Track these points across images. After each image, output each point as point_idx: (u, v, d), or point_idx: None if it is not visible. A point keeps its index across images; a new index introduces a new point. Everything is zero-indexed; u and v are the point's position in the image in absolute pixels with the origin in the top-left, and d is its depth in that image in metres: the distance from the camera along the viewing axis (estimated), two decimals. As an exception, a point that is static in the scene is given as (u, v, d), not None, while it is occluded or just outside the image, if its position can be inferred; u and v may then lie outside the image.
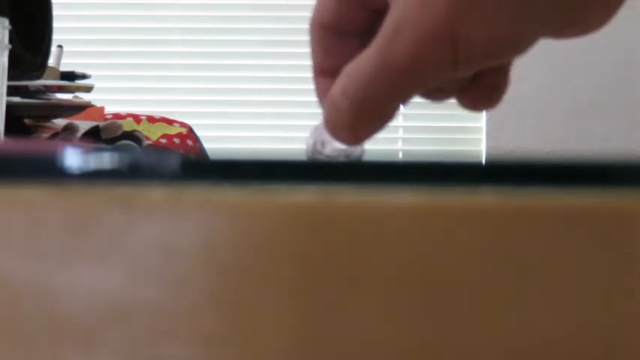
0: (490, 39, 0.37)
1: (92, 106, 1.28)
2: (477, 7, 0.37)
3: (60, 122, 1.26)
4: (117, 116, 1.50)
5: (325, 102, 0.41)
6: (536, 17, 0.37)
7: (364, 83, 0.39)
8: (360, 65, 0.39)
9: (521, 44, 0.38)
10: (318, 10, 0.43)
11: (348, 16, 0.42)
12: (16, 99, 1.17)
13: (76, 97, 1.28)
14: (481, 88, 0.42)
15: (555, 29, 0.39)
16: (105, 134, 1.24)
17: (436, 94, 0.42)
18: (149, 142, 1.45)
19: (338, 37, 0.42)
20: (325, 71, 0.42)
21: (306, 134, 0.45)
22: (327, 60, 0.42)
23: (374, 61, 0.38)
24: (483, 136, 2.55)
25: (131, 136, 1.26)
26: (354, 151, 0.43)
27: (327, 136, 0.42)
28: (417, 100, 0.44)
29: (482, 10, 0.37)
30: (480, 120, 2.56)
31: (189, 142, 1.55)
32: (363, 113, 0.39)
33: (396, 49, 0.38)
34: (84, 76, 1.32)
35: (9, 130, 0.94)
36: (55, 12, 1.23)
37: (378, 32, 0.39)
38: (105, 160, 0.29)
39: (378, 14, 0.41)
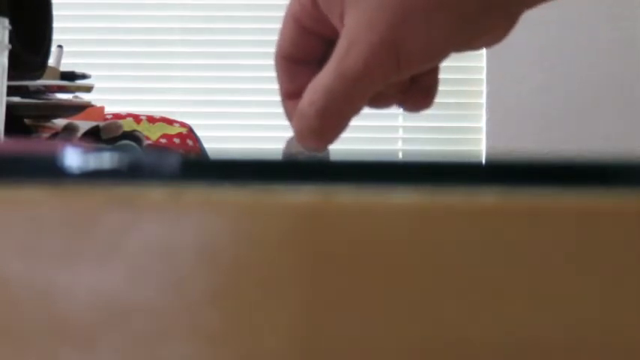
0: (423, 48, 0.46)
1: (92, 106, 1.28)
2: (411, 25, 0.46)
3: (60, 122, 1.26)
4: (117, 116, 1.50)
5: (294, 116, 0.49)
6: (456, 31, 0.47)
7: (327, 92, 0.47)
8: (322, 78, 0.47)
9: (446, 51, 0.47)
10: (280, 44, 0.52)
11: (304, 47, 0.51)
12: (16, 99, 1.17)
13: (76, 97, 1.28)
14: (419, 90, 0.51)
15: (469, 40, 0.48)
16: (105, 134, 1.24)
17: (382, 101, 0.51)
18: (149, 142, 1.44)
19: (298, 65, 0.51)
20: (291, 94, 0.51)
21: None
22: (292, 85, 0.51)
23: (333, 73, 0.47)
24: (483, 136, 2.55)
25: (131, 136, 1.26)
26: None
27: (298, 148, 0.49)
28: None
29: (415, 27, 0.46)
30: (480, 120, 2.56)
31: (189, 142, 1.55)
32: (327, 118, 0.47)
33: (350, 61, 0.46)
34: (84, 76, 1.32)
35: (9, 130, 0.94)
36: (55, 12, 1.23)
37: (334, 52, 0.47)
38: (105, 160, 0.29)
39: (329, 44, 0.49)
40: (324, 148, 0.49)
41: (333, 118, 0.47)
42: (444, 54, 0.47)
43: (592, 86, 2.49)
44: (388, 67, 0.46)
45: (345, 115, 0.47)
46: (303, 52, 0.51)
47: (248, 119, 2.57)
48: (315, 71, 0.49)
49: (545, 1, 0.48)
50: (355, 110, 0.48)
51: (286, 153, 0.50)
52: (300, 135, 0.49)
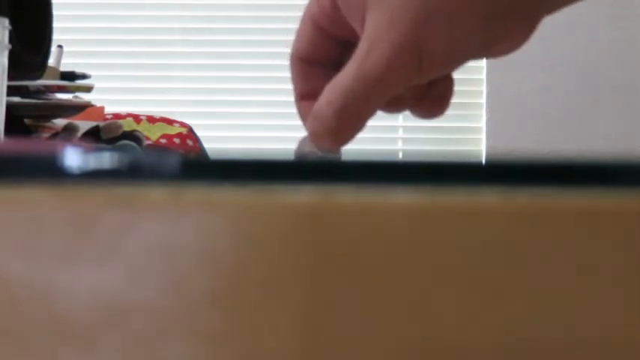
0: (446, 49, 0.46)
1: (92, 106, 1.28)
2: (434, 26, 0.45)
3: (60, 122, 1.26)
4: (117, 116, 1.50)
5: (309, 116, 0.49)
6: (478, 34, 0.47)
7: (346, 92, 0.47)
8: (342, 79, 0.47)
9: (467, 55, 0.47)
10: (296, 45, 0.51)
11: (321, 49, 0.51)
12: (16, 99, 1.17)
13: (76, 97, 1.28)
14: (434, 95, 0.51)
15: (490, 45, 0.48)
16: (105, 134, 1.24)
17: (395, 105, 0.51)
18: (149, 142, 1.44)
19: (313, 67, 0.51)
20: (305, 96, 0.51)
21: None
22: (306, 86, 0.51)
23: (354, 74, 0.46)
24: (483, 136, 2.55)
25: (131, 136, 1.26)
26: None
27: (311, 147, 0.49)
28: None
29: (438, 27, 0.45)
30: (480, 120, 2.56)
31: (189, 142, 1.55)
32: (344, 119, 0.47)
33: (372, 61, 0.46)
34: (84, 76, 1.32)
35: (9, 130, 0.94)
36: (55, 12, 1.23)
37: (354, 53, 0.47)
38: (105, 160, 0.29)
39: (345, 47, 0.50)
40: (339, 148, 0.49)
41: (351, 119, 0.47)
42: (465, 58, 0.47)
43: (592, 86, 2.49)
44: (410, 68, 0.46)
45: (363, 116, 0.47)
46: (319, 54, 0.51)
47: (248, 119, 2.57)
48: (329, 73, 0.49)
49: (565, 6, 0.48)
50: (373, 112, 0.48)
51: (299, 152, 0.50)
52: (315, 135, 0.49)
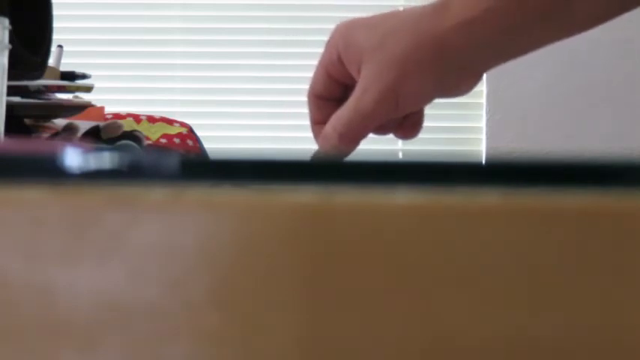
0: (415, 96, 0.69)
1: (92, 106, 1.28)
2: (408, 80, 0.68)
3: (60, 122, 1.25)
4: (117, 116, 1.50)
5: (320, 137, 0.71)
6: (439, 85, 0.69)
7: (347, 122, 0.69)
8: (343, 112, 0.70)
9: (431, 99, 0.70)
10: (312, 85, 0.73)
11: (330, 89, 0.73)
12: (16, 99, 1.17)
13: (76, 97, 1.28)
14: (409, 123, 0.73)
15: (448, 91, 0.70)
16: (105, 134, 1.24)
17: (382, 130, 0.72)
18: (149, 142, 1.44)
19: (324, 101, 0.73)
20: (317, 121, 0.73)
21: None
22: (318, 114, 0.73)
23: (352, 110, 0.69)
24: (483, 136, 2.55)
25: (131, 136, 1.26)
26: None
27: None
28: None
29: (411, 81, 0.68)
30: (480, 120, 2.56)
31: (189, 142, 1.55)
32: (345, 140, 0.69)
33: (365, 101, 0.68)
34: (84, 76, 1.32)
35: (9, 130, 0.94)
36: (55, 12, 1.23)
37: (353, 93, 0.69)
38: (105, 160, 0.29)
39: (346, 88, 0.71)
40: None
41: (350, 140, 0.69)
42: (428, 101, 0.70)
43: (592, 86, 2.49)
44: (390, 108, 0.68)
45: (358, 139, 0.70)
46: (328, 92, 0.72)
47: (248, 119, 2.57)
48: (335, 105, 0.71)
49: (503, 63, 0.69)
50: (365, 135, 0.69)
51: None
52: (324, 151, 0.68)
